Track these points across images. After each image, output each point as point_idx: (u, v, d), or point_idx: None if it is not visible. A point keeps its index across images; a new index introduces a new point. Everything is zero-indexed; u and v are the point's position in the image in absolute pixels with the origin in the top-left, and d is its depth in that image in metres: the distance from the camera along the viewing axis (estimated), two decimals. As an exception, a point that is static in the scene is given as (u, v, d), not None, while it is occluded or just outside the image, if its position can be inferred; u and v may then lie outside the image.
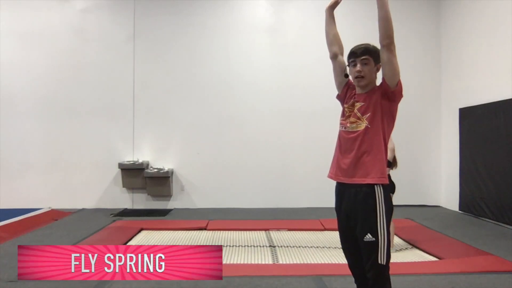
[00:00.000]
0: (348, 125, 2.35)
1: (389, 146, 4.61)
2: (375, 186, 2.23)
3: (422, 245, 4.93)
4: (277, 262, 4.58)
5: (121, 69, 7.87)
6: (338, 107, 6.75)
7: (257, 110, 7.93)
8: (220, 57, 7.96)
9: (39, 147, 7.81)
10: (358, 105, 2.35)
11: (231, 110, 7.92)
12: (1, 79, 7.75)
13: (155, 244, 5.32)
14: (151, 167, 7.84)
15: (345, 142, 2.35)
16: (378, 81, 2.42)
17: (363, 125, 2.28)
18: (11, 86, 7.76)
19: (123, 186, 7.76)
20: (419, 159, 7.77)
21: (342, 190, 2.36)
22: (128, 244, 5.24)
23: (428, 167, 7.88)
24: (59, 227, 6.04)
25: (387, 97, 2.30)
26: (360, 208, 2.24)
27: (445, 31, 7.90)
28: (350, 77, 2.50)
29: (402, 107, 8.45)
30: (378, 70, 2.40)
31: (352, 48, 2.49)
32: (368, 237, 2.20)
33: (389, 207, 2.28)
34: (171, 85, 7.93)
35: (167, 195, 7.85)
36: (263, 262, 4.56)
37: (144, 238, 5.62)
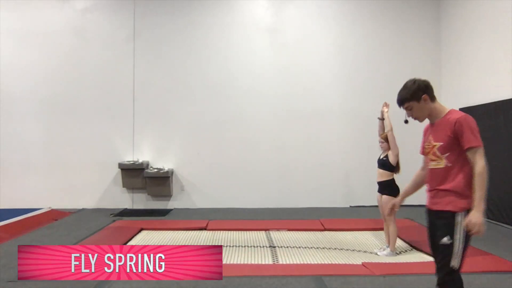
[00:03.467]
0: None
1: (394, 151, 4.69)
2: None
3: (422, 245, 4.92)
4: (277, 262, 4.58)
5: (121, 69, 7.87)
6: (337, 107, 6.80)
7: (257, 110, 7.93)
8: (220, 56, 7.96)
9: (39, 147, 7.81)
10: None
11: (231, 110, 7.92)
12: (1, 79, 7.75)
13: (155, 244, 5.32)
14: (151, 167, 7.84)
15: None
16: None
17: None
18: (11, 86, 7.76)
19: (123, 186, 7.76)
20: (419, 159, 7.75)
21: None
22: (128, 244, 5.25)
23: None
24: (59, 227, 6.04)
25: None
26: None
27: (445, 31, 7.90)
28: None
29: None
30: (425, 101, 2.57)
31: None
32: (447, 239, 2.42)
33: None
34: (171, 85, 7.93)
35: (167, 195, 7.85)
36: (263, 262, 4.56)
37: (144, 238, 5.62)
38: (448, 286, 2.42)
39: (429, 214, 2.62)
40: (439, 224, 2.48)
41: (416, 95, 2.56)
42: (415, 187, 2.88)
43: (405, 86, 2.64)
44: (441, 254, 2.43)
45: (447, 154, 2.49)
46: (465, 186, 2.42)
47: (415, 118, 2.65)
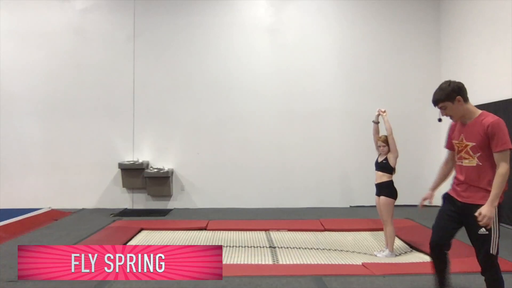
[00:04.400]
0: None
1: (395, 154, 4.72)
2: None
3: (422, 245, 4.92)
4: (277, 262, 4.58)
5: (121, 69, 7.87)
6: (337, 107, 6.79)
7: (257, 110, 7.93)
8: (220, 56, 7.96)
9: (39, 147, 7.81)
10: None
11: (231, 110, 7.92)
12: (1, 79, 7.75)
13: (155, 244, 5.31)
14: (151, 167, 7.84)
15: None
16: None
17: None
18: (11, 86, 7.76)
19: (123, 186, 7.76)
20: (419, 159, 7.76)
21: None
22: (128, 244, 5.24)
23: (428, 167, 7.86)
24: (59, 227, 6.04)
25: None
26: None
27: (445, 31, 7.90)
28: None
29: (403, 107, 8.43)
30: (459, 102, 2.79)
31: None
32: (483, 230, 2.74)
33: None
34: (171, 85, 7.93)
35: (167, 195, 7.85)
36: (263, 262, 4.56)
37: (144, 238, 5.62)
38: (492, 270, 2.78)
39: (452, 202, 2.90)
40: (474, 216, 2.69)
41: (450, 96, 2.77)
42: (443, 180, 3.15)
43: (441, 88, 2.84)
44: (479, 242, 2.77)
45: (479, 154, 2.74)
46: None
47: (449, 117, 2.87)
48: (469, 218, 2.76)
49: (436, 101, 2.84)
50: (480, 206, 2.68)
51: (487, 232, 2.70)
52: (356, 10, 7.99)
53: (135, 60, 7.90)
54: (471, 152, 2.77)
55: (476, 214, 2.64)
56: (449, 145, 3.03)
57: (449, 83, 2.81)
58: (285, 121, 7.92)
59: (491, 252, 2.74)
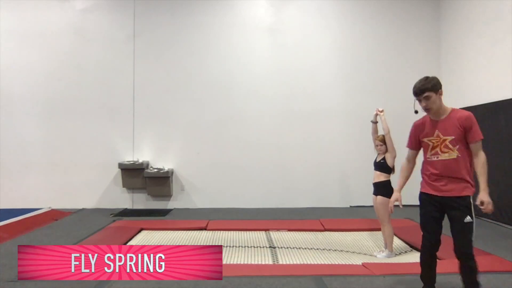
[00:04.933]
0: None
1: (393, 154, 4.73)
2: None
3: (422, 245, 4.92)
4: (277, 262, 4.58)
5: (121, 69, 7.87)
6: (337, 107, 6.79)
7: (257, 110, 7.93)
8: (220, 57, 7.96)
9: (39, 147, 7.80)
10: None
11: (231, 110, 7.92)
12: (1, 79, 7.75)
13: (155, 244, 5.31)
14: (151, 167, 7.84)
15: None
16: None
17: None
18: (11, 86, 7.76)
19: (123, 186, 7.76)
20: (419, 158, 7.75)
21: None
22: (128, 244, 5.25)
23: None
24: (59, 227, 6.04)
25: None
26: None
27: (445, 31, 7.90)
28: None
29: (402, 107, 8.38)
30: (440, 95, 2.96)
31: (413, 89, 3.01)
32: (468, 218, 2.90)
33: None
34: (171, 85, 7.93)
35: (167, 195, 7.85)
36: (263, 262, 4.56)
37: (144, 238, 5.62)
38: (473, 258, 2.91)
39: (431, 202, 3.01)
40: (458, 207, 2.89)
41: (435, 87, 2.93)
42: (407, 179, 3.32)
43: (426, 78, 2.97)
44: (465, 231, 2.89)
45: (458, 146, 2.90)
46: (472, 174, 2.94)
47: (428, 109, 2.96)
48: (453, 210, 2.92)
49: (422, 90, 2.92)
50: (462, 197, 2.89)
51: (472, 220, 2.87)
52: (356, 10, 7.99)
53: (135, 60, 7.90)
54: (450, 146, 2.92)
55: (478, 203, 2.84)
56: (414, 144, 3.18)
57: (432, 76, 2.97)
58: (285, 121, 7.92)
59: (473, 239, 2.91)
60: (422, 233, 3.13)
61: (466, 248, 2.90)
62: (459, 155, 2.90)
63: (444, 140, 2.93)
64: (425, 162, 3.10)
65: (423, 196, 3.11)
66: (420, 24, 8.03)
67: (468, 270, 2.93)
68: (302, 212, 7.21)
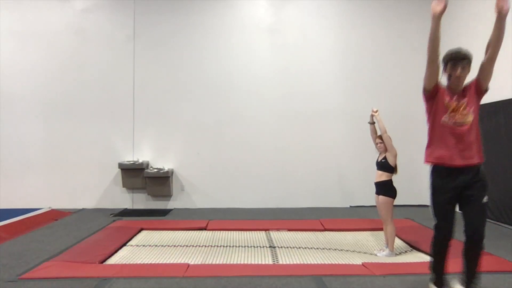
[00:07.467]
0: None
1: (392, 152, 4.72)
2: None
3: (422, 245, 4.92)
4: (277, 262, 4.58)
5: (121, 69, 7.87)
6: (338, 107, 6.80)
7: (257, 110, 7.93)
8: (220, 57, 7.95)
9: (39, 147, 7.80)
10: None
11: (231, 110, 7.92)
12: (1, 79, 7.75)
13: (155, 244, 5.32)
14: (151, 167, 7.84)
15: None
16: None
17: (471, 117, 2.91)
18: (11, 86, 7.76)
19: (123, 186, 7.76)
20: (419, 158, 7.68)
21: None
22: (128, 244, 5.25)
23: (428, 167, 7.86)
24: (59, 227, 6.04)
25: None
26: None
27: (445, 31, 7.86)
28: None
29: (402, 107, 8.41)
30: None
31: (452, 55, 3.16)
32: (485, 199, 2.88)
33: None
34: (171, 85, 7.92)
35: (167, 195, 7.85)
36: (263, 262, 4.56)
37: (144, 238, 5.62)
38: (483, 241, 2.87)
39: (448, 185, 2.95)
40: (476, 185, 2.87)
41: (471, 59, 3.05)
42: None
43: (466, 49, 3.11)
44: (483, 211, 2.88)
45: (472, 108, 2.94)
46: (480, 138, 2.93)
47: (460, 78, 3.05)
48: (470, 189, 2.87)
49: (466, 55, 3.02)
50: (477, 166, 2.88)
51: (487, 201, 2.86)
52: (356, 10, 7.98)
53: (135, 60, 7.90)
54: (467, 108, 2.94)
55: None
56: (433, 88, 3.24)
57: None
58: (285, 121, 7.92)
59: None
60: (435, 222, 3.04)
61: (482, 229, 2.87)
62: (473, 118, 2.92)
63: (463, 103, 2.97)
64: (440, 132, 3.11)
65: (437, 181, 3.05)
66: (420, 24, 8.00)
67: (478, 253, 2.91)
68: (302, 212, 7.21)
